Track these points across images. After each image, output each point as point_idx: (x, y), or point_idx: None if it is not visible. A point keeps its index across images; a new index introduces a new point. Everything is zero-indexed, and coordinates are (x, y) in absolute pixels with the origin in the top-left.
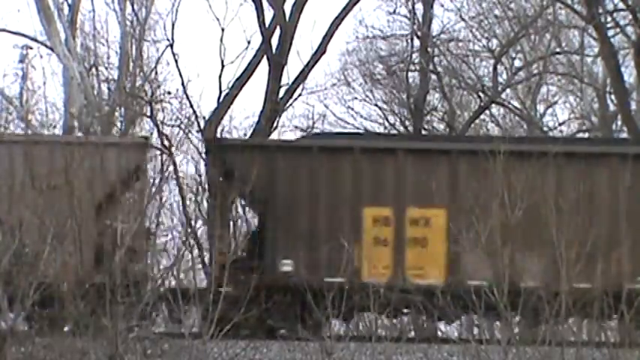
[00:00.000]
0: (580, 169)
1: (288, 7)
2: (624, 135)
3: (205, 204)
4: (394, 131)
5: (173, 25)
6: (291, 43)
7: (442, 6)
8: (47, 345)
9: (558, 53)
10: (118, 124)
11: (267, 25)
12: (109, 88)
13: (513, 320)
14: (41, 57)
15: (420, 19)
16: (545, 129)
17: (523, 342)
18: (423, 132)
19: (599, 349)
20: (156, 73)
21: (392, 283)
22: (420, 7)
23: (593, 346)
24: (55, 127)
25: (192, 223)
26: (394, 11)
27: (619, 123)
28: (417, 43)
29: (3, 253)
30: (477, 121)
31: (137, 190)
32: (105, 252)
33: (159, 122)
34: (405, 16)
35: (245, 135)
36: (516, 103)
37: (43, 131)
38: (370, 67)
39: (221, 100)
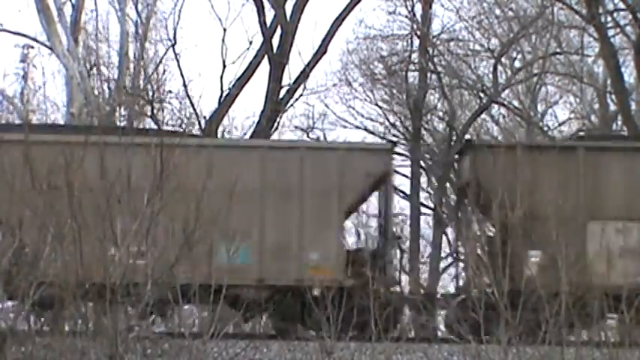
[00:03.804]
0: None
1: (289, 8)
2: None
3: None
4: (395, 131)
5: (176, 25)
6: (292, 44)
7: (442, 6)
8: (47, 345)
9: (558, 53)
10: (119, 124)
11: (268, 26)
12: (109, 88)
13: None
14: (42, 56)
15: (420, 19)
16: (545, 129)
17: (523, 342)
18: (423, 132)
19: (599, 349)
20: (157, 73)
21: None
22: (419, 7)
23: (593, 346)
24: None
25: None
26: (394, 11)
27: (619, 123)
28: (417, 42)
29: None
30: (477, 121)
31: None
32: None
33: (160, 122)
34: (405, 16)
35: (245, 135)
36: (516, 103)
37: None
38: (371, 66)
39: (222, 99)
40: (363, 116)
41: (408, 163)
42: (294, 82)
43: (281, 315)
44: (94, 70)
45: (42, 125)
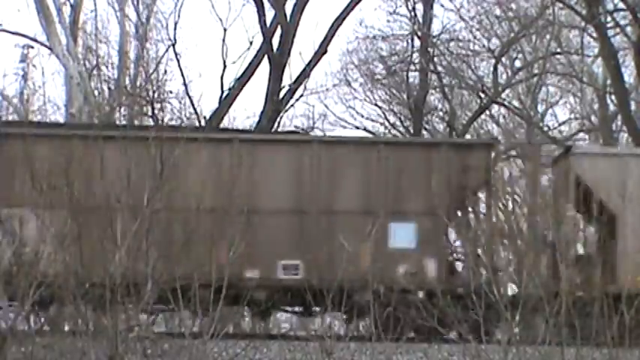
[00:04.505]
0: None
1: (289, 8)
2: (624, 135)
3: None
4: (395, 131)
5: (175, 25)
6: (292, 44)
7: (442, 6)
8: (47, 345)
9: (558, 53)
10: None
11: (268, 26)
12: (109, 88)
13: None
14: (42, 56)
15: (421, 19)
16: (545, 129)
17: (523, 342)
18: (424, 132)
19: (599, 349)
20: (157, 73)
21: None
22: (420, 7)
23: (593, 346)
24: None
25: None
26: (394, 11)
27: (619, 123)
28: (417, 43)
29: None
30: (478, 121)
31: None
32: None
33: (160, 122)
34: (406, 16)
35: None
36: (516, 103)
37: None
38: (370, 67)
39: (222, 99)
40: (362, 116)
41: None
42: (295, 82)
43: None
44: (94, 70)
45: None
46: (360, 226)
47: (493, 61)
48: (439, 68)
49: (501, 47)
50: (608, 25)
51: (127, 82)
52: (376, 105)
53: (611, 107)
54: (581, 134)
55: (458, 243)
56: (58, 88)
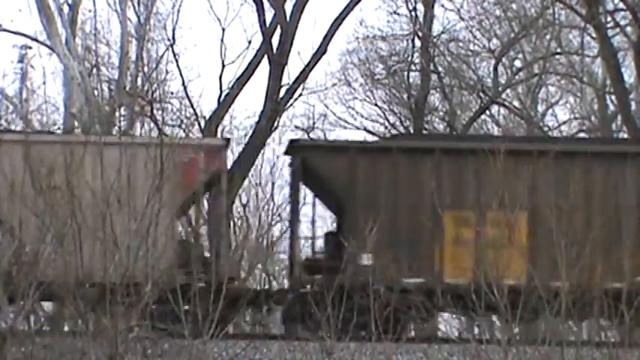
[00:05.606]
0: None
1: (288, 7)
2: (624, 135)
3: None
4: (394, 131)
5: (174, 25)
6: (291, 43)
7: (442, 6)
8: (47, 345)
9: (558, 54)
10: (119, 124)
11: (267, 25)
12: (109, 88)
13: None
14: (40, 57)
15: (421, 20)
16: (545, 129)
17: (523, 342)
18: (424, 132)
19: (599, 349)
20: (157, 73)
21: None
22: (420, 8)
23: (593, 346)
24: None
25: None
26: (395, 11)
27: (619, 123)
28: (417, 43)
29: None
30: (478, 121)
31: None
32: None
33: (159, 122)
34: (406, 16)
35: (245, 135)
36: (517, 104)
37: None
38: (371, 67)
39: (222, 99)
40: (362, 116)
41: None
42: (294, 81)
43: None
44: (94, 70)
45: None
46: None
47: (493, 61)
48: (439, 68)
49: (501, 47)
50: (608, 25)
51: (127, 82)
52: (376, 105)
53: (611, 107)
54: (582, 134)
55: None
56: (57, 88)
